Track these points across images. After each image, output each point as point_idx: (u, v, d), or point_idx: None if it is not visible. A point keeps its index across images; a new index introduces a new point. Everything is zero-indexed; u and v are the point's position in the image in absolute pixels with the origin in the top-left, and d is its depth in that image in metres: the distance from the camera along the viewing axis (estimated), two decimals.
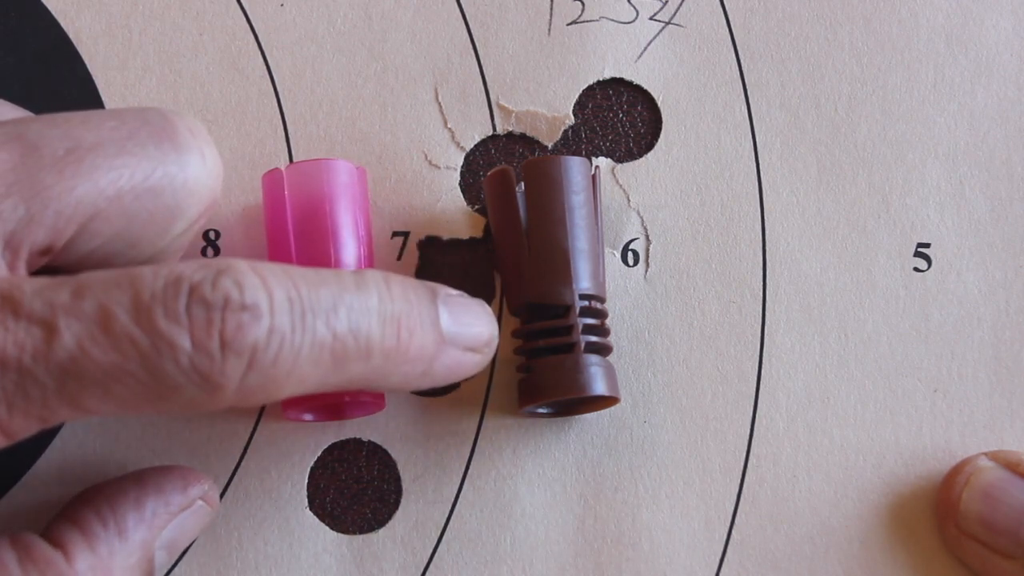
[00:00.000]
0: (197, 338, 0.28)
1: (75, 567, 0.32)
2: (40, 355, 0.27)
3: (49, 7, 0.39)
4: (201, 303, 0.28)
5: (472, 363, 0.33)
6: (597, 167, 0.38)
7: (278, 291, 0.28)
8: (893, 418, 0.39)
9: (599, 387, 0.36)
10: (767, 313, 0.39)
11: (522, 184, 0.37)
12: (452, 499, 0.38)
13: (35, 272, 0.30)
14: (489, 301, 0.39)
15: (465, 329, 0.32)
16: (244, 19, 0.40)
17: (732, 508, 0.38)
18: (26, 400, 0.28)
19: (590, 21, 0.40)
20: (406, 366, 0.31)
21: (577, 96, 0.40)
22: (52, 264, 0.31)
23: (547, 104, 0.40)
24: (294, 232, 0.36)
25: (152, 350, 0.28)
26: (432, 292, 0.32)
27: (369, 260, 0.37)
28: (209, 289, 0.28)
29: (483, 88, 0.40)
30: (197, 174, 0.32)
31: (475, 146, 0.40)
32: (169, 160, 0.31)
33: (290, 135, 0.39)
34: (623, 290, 0.39)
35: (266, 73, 0.39)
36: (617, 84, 0.40)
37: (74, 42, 0.39)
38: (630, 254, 0.39)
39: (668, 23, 0.40)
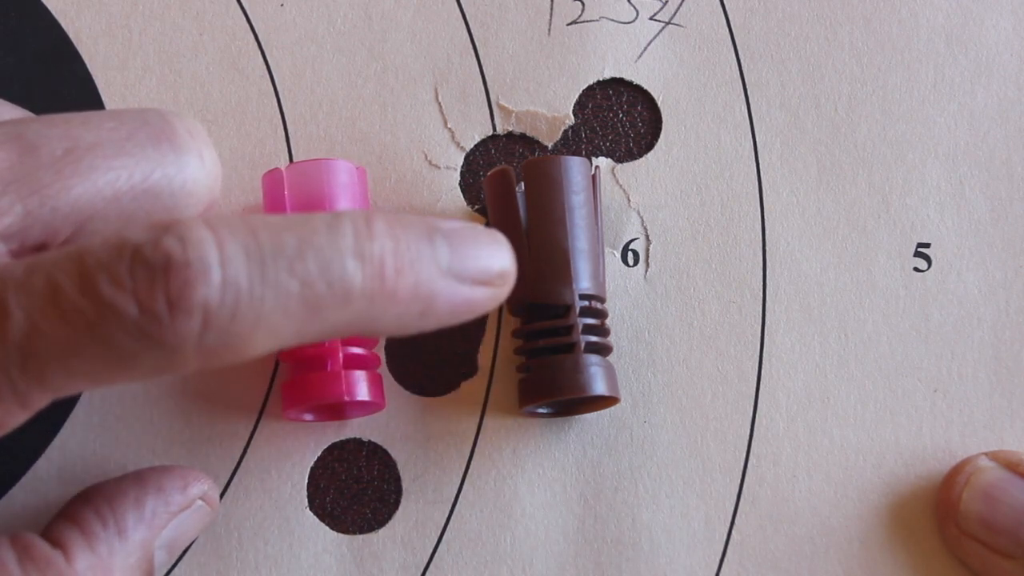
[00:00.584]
0: (142, 301, 0.26)
1: (75, 567, 0.32)
2: None
3: (49, 7, 0.39)
4: (143, 264, 0.26)
5: (484, 298, 0.30)
6: (597, 167, 0.38)
7: (231, 243, 0.27)
8: (893, 418, 0.39)
9: (599, 387, 0.36)
10: (767, 313, 0.39)
11: (522, 184, 0.37)
12: (452, 499, 0.38)
13: None
14: None
15: (471, 262, 0.30)
16: (244, 19, 0.40)
17: (732, 508, 0.38)
18: None
19: (590, 21, 0.40)
20: (398, 307, 0.29)
21: (577, 96, 0.40)
22: None
23: (547, 104, 0.40)
24: None
25: (98, 318, 0.27)
26: (428, 226, 0.30)
27: None
28: (151, 249, 0.27)
29: (483, 88, 0.40)
30: (195, 175, 0.31)
31: (475, 146, 0.40)
32: (167, 161, 0.31)
33: (290, 135, 0.39)
34: (623, 290, 0.39)
35: (266, 73, 0.39)
36: (617, 84, 0.40)
37: (74, 42, 0.39)
38: (630, 254, 0.39)
39: (668, 23, 0.40)
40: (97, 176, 0.30)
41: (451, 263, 0.29)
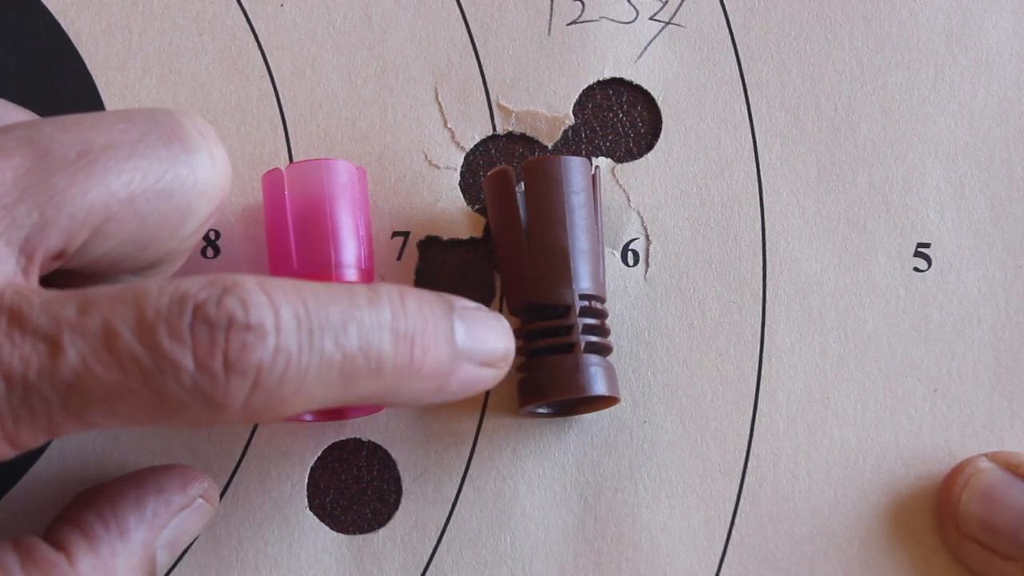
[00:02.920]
0: (200, 358, 0.27)
1: (77, 569, 0.32)
2: (45, 371, 0.27)
3: (49, 7, 0.39)
4: (205, 323, 0.27)
5: (488, 378, 0.33)
6: (597, 167, 0.38)
7: (285, 309, 0.28)
8: (893, 418, 0.39)
9: (599, 387, 0.36)
10: (767, 313, 0.39)
11: (522, 184, 0.37)
12: (452, 499, 0.38)
13: (48, 275, 0.30)
14: (489, 301, 0.39)
15: (481, 344, 0.32)
16: (244, 19, 0.40)
17: (732, 508, 0.38)
18: (31, 414, 0.28)
19: (590, 21, 0.40)
20: (419, 383, 0.31)
21: (577, 96, 0.40)
22: (65, 267, 0.31)
23: (547, 104, 0.40)
24: (294, 232, 0.36)
25: (155, 369, 0.27)
26: (449, 306, 0.31)
27: (369, 260, 0.37)
28: (214, 308, 0.28)
29: (483, 88, 0.40)
30: (207, 175, 0.32)
31: (475, 146, 0.40)
32: (180, 161, 0.31)
33: (290, 135, 0.39)
34: (623, 290, 0.39)
35: (266, 73, 0.39)
36: (617, 84, 0.40)
37: (74, 42, 0.39)
38: (630, 254, 0.39)
39: (668, 23, 0.40)
40: (111, 179, 0.30)
41: (465, 344, 0.31)
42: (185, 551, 0.37)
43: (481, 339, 0.32)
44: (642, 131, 0.40)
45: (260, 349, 0.28)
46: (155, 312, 0.28)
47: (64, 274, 0.31)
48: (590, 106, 0.40)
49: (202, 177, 0.31)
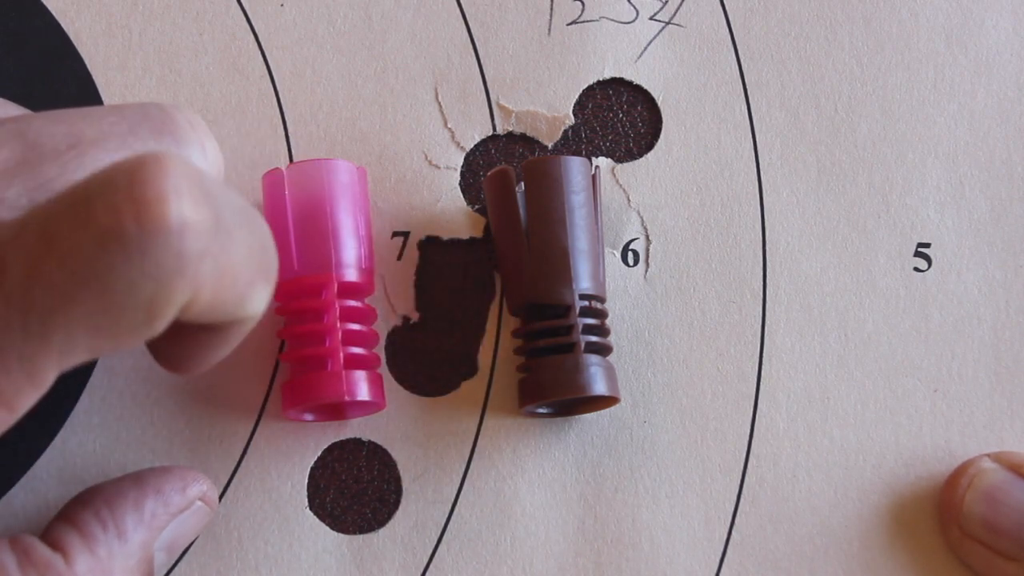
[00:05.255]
0: (141, 219, 0.26)
1: (74, 569, 0.32)
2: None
3: (49, 7, 0.39)
4: (140, 186, 0.27)
5: None
6: (597, 167, 0.38)
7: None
8: (893, 418, 0.39)
9: (599, 387, 0.36)
10: (767, 313, 0.39)
11: (522, 184, 0.37)
12: (452, 499, 0.38)
13: None
14: (489, 301, 0.39)
15: None
16: (244, 19, 0.40)
17: (732, 508, 0.38)
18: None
19: (590, 21, 0.40)
20: None
21: (577, 96, 0.40)
22: None
23: (547, 104, 0.40)
24: (294, 232, 0.36)
25: (99, 249, 0.26)
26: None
27: (369, 260, 0.37)
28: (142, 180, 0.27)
29: (483, 88, 0.40)
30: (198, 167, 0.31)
31: (475, 146, 0.40)
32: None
33: (290, 135, 0.39)
34: (623, 290, 0.39)
35: (266, 73, 0.39)
36: (617, 84, 0.40)
37: (74, 42, 0.39)
38: (630, 254, 0.39)
39: (668, 23, 0.40)
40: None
41: None
42: (185, 551, 0.37)
43: None
44: (642, 131, 0.40)
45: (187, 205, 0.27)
46: (86, 196, 0.27)
47: None
48: (590, 106, 0.40)
49: None
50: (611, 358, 0.37)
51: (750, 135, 0.40)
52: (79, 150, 0.30)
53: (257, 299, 0.29)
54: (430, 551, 0.38)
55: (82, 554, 0.33)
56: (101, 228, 0.26)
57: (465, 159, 0.39)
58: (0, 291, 0.27)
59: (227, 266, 0.28)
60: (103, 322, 0.27)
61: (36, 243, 0.27)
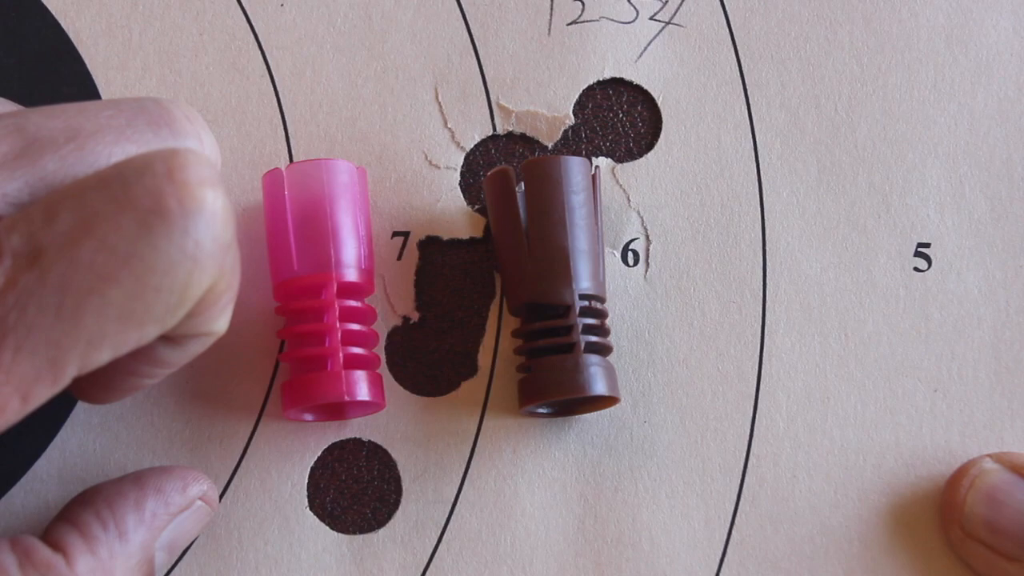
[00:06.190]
0: (182, 199, 0.28)
1: (76, 570, 0.32)
2: (30, 282, 0.27)
3: (49, 7, 0.39)
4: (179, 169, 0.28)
5: None
6: (597, 167, 0.38)
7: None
8: (893, 418, 0.39)
9: (599, 387, 0.36)
10: (767, 313, 0.39)
11: (522, 184, 0.37)
12: (452, 499, 0.38)
13: None
14: (489, 301, 0.39)
15: None
16: (244, 19, 0.40)
17: (732, 508, 0.38)
18: (29, 333, 0.27)
19: (590, 21, 0.40)
20: None
21: (577, 96, 0.40)
22: None
23: (547, 104, 0.40)
24: (294, 232, 0.36)
25: (142, 228, 0.28)
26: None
27: (369, 260, 0.37)
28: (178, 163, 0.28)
29: (483, 88, 0.40)
30: None
31: (475, 146, 0.40)
32: (167, 146, 0.31)
33: (290, 135, 0.39)
34: (623, 290, 0.39)
35: (266, 73, 0.39)
36: (617, 84, 0.40)
37: (74, 42, 0.39)
38: (630, 254, 0.39)
39: (668, 23, 0.40)
40: (100, 162, 0.30)
41: None
42: (185, 551, 0.37)
43: None
44: (642, 131, 0.40)
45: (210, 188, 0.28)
46: (123, 180, 0.28)
47: None
48: (590, 106, 0.40)
49: None
50: (611, 358, 0.37)
51: (750, 135, 0.40)
52: (77, 143, 0.30)
53: (229, 314, 0.31)
54: (430, 551, 0.38)
55: (83, 554, 0.33)
56: (143, 209, 0.28)
57: (465, 159, 0.39)
58: (38, 272, 0.27)
59: (235, 266, 0.29)
60: (136, 307, 0.28)
61: (74, 226, 0.28)
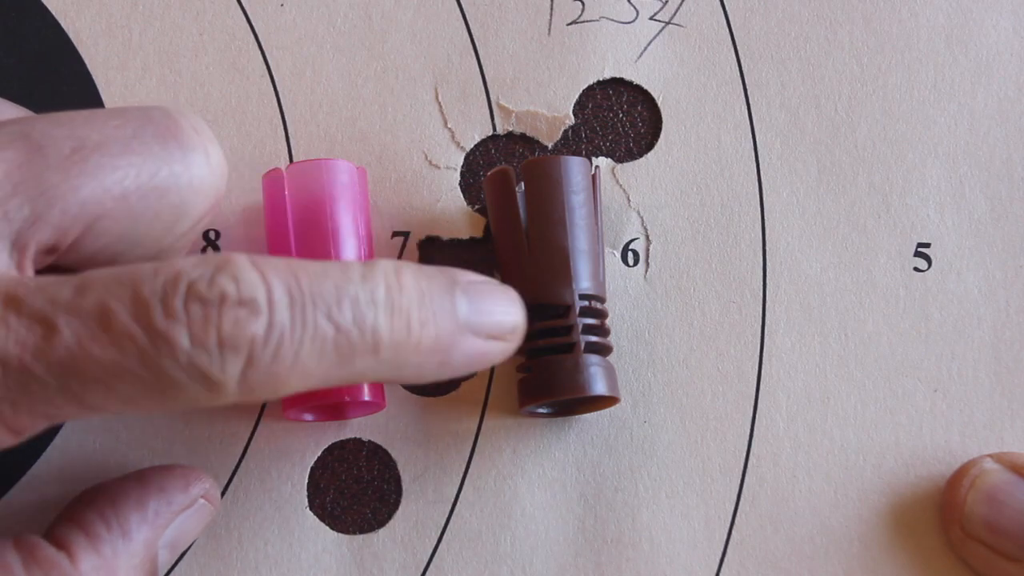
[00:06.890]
0: (195, 335, 0.28)
1: (79, 568, 0.32)
2: (41, 353, 0.27)
3: (49, 7, 0.39)
4: (198, 300, 0.28)
5: (496, 352, 0.32)
6: (597, 167, 0.38)
7: (277, 284, 0.28)
8: (893, 418, 0.39)
9: (599, 387, 0.36)
10: (767, 313, 0.39)
11: (522, 184, 0.37)
12: (452, 499, 0.38)
13: (41, 271, 0.30)
14: None
15: (487, 317, 0.31)
16: (244, 19, 0.40)
17: (732, 508, 0.38)
18: (29, 397, 0.28)
19: (590, 21, 0.40)
20: (420, 358, 0.30)
21: (577, 96, 0.40)
22: (58, 263, 0.31)
23: (547, 104, 0.40)
24: (294, 232, 0.36)
25: (151, 347, 0.27)
26: (450, 279, 0.31)
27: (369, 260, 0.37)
28: (206, 286, 0.28)
29: (483, 88, 0.40)
30: (202, 173, 0.31)
31: (475, 146, 0.40)
32: (174, 159, 0.31)
33: (290, 135, 0.39)
34: (623, 290, 0.39)
35: (266, 73, 0.39)
36: (617, 84, 0.40)
37: (74, 42, 0.39)
38: (630, 254, 0.39)
39: (668, 23, 0.40)
40: (105, 175, 0.30)
41: (469, 317, 0.31)
42: (185, 551, 0.37)
43: (487, 312, 0.32)
44: (642, 131, 0.40)
45: (253, 324, 0.28)
46: (150, 290, 0.28)
47: (58, 270, 0.31)
48: (590, 106, 0.40)
49: (197, 175, 0.31)
50: (611, 358, 0.37)
51: (750, 135, 0.40)
52: (82, 154, 0.30)
53: None
54: (430, 551, 0.38)
55: (87, 553, 0.33)
56: (159, 331, 0.28)
57: (465, 159, 0.39)
58: (45, 354, 0.28)
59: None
60: (143, 400, 0.28)
61: (94, 316, 0.28)
